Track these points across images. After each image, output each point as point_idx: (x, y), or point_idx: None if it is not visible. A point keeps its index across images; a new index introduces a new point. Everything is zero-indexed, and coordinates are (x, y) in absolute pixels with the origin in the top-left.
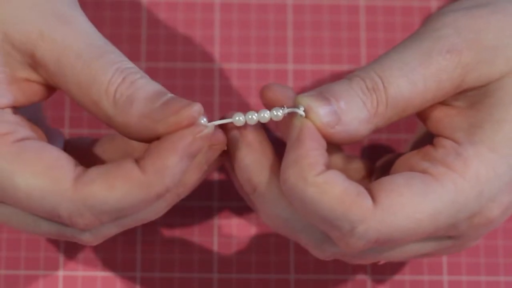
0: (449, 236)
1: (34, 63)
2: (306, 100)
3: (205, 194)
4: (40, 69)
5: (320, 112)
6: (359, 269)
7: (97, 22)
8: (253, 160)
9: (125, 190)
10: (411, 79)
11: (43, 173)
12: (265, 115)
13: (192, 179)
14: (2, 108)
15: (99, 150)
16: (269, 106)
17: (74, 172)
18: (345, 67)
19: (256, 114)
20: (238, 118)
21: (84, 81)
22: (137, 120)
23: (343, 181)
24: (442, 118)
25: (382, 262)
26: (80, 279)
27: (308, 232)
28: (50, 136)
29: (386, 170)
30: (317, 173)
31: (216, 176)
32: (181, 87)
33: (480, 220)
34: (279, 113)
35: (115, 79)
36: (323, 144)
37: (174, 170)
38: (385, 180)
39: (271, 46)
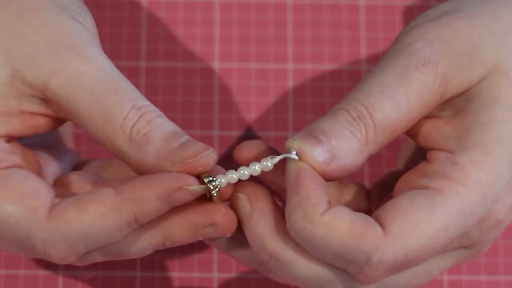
0: (464, 247)
1: (45, 97)
2: (297, 143)
3: None
4: (51, 103)
5: (314, 153)
6: None
7: (97, 21)
8: (265, 226)
9: (97, 214)
10: (395, 100)
11: (20, 201)
12: (256, 168)
13: (181, 237)
14: None
15: (106, 172)
16: (247, 164)
17: (51, 202)
18: (345, 66)
19: (247, 169)
20: (232, 176)
21: (98, 117)
22: (153, 159)
23: (349, 215)
24: (431, 131)
25: None
26: (80, 279)
27: (334, 284)
28: (61, 157)
29: (384, 191)
30: (322, 212)
31: None
32: (181, 87)
33: (490, 223)
34: (268, 163)
35: (131, 116)
36: (322, 182)
37: (148, 204)
38: (389, 204)
39: (271, 45)
